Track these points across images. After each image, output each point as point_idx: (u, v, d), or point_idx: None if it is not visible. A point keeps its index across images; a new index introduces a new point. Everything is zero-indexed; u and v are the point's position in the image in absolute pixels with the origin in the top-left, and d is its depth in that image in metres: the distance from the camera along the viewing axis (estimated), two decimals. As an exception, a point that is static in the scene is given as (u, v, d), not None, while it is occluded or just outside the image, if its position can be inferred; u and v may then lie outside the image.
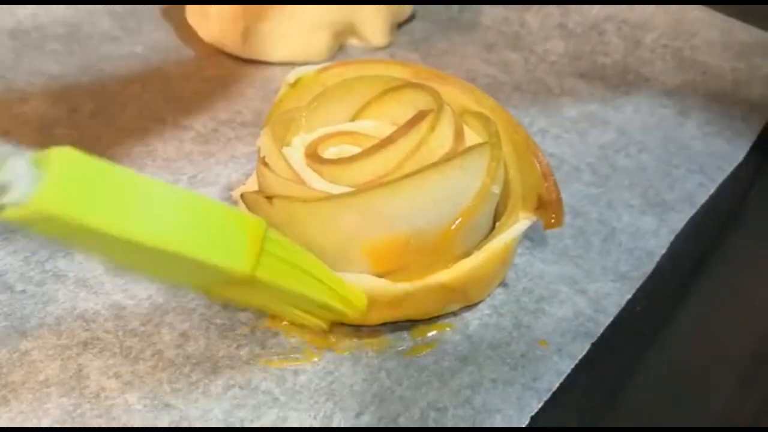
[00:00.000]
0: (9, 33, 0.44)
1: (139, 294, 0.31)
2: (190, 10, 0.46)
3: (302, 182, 0.28)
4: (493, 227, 0.30)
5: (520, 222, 0.30)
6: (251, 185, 0.32)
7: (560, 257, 0.34)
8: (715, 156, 0.39)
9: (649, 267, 0.33)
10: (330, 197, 0.27)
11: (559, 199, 0.30)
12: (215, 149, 0.38)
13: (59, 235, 0.23)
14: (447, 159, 0.27)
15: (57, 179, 0.21)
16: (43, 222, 0.21)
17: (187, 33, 0.46)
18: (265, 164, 0.29)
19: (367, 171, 0.28)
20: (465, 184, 0.28)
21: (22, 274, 0.32)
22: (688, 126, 0.41)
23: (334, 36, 0.45)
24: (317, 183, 0.28)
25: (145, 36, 0.46)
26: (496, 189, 0.29)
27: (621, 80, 0.44)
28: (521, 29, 0.49)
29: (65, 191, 0.21)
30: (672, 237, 0.35)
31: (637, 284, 0.33)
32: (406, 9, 0.48)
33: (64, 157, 0.22)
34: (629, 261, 0.34)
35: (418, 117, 0.29)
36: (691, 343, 0.31)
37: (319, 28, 0.44)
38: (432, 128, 0.28)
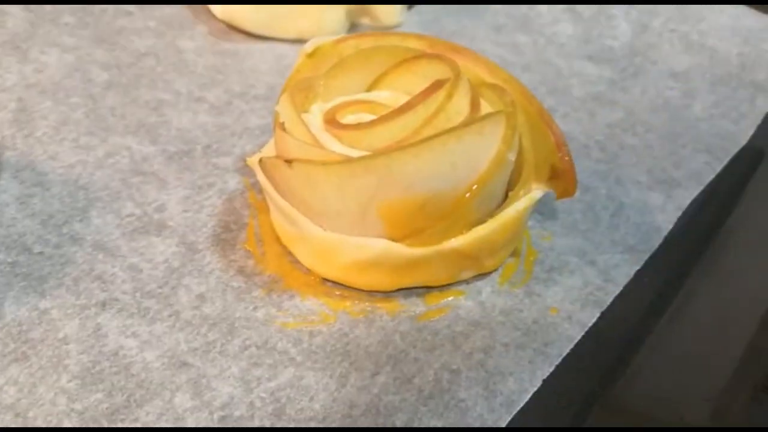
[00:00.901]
0: (23, 5, 0.45)
1: (155, 258, 0.32)
2: (204, -15, 0.46)
3: (321, 146, 0.28)
4: (506, 196, 0.31)
5: (534, 191, 0.31)
6: (267, 153, 0.32)
7: (570, 230, 0.34)
8: (720, 137, 0.40)
9: (656, 241, 0.34)
10: (349, 160, 0.27)
11: (572, 169, 0.31)
12: (229, 121, 0.39)
13: None
14: (465, 125, 0.28)
15: None
16: None
17: (200, 9, 0.46)
18: (284, 129, 0.29)
19: (386, 136, 0.28)
20: (481, 150, 0.28)
21: (39, 236, 0.32)
22: (695, 108, 0.42)
23: (346, 14, 0.45)
24: (336, 147, 0.29)
25: (158, 11, 0.46)
26: (512, 156, 0.29)
27: (628, 63, 0.45)
28: (530, 12, 0.49)
29: None
30: (679, 213, 0.35)
31: (645, 257, 0.33)
32: (417, -10, 0.49)
33: None
34: (637, 235, 0.34)
35: (436, 85, 0.29)
36: (696, 314, 0.32)
37: (332, 7, 0.44)
38: (449, 96, 0.29)
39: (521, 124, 0.31)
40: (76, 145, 0.36)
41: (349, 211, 0.28)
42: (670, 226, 0.35)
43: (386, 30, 0.46)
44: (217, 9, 0.45)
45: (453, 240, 0.29)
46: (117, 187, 0.35)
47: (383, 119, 0.29)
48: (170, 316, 0.30)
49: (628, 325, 0.31)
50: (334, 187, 0.28)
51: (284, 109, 0.30)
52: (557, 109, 0.41)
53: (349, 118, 0.31)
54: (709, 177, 0.37)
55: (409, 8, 0.49)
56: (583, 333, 0.30)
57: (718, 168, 0.38)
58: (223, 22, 0.45)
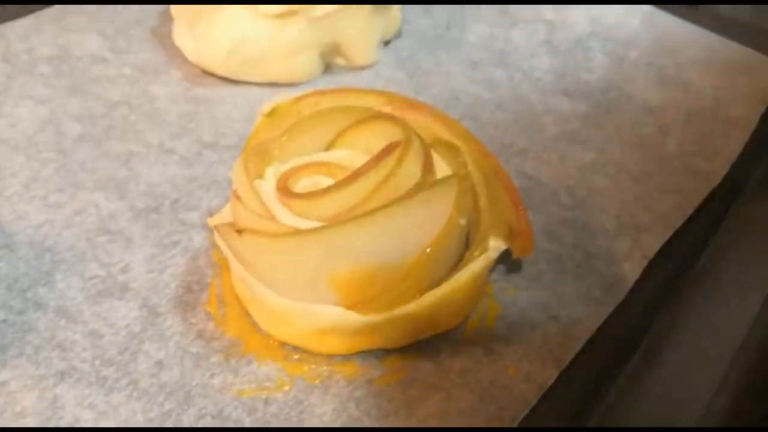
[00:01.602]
0: (1, 56, 0.45)
1: (117, 322, 0.32)
2: (177, 31, 0.46)
3: (272, 217, 0.29)
4: (463, 256, 0.31)
5: (490, 251, 0.31)
6: (227, 213, 0.33)
7: (534, 282, 0.34)
8: (693, 175, 0.40)
9: (621, 292, 0.34)
10: (296, 233, 0.28)
11: (528, 228, 0.31)
12: (198, 173, 0.39)
13: None
14: (412, 194, 0.28)
15: None
16: None
17: (174, 53, 0.46)
18: (237, 197, 0.30)
19: (335, 205, 0.28)
20: (431, 218, 0.28)
21: (4, 302, 0.32)
22: (669, 144, 0.42)
23: (320, 56, 0.45)
24: (286, 217, 0.29)
25: (133, 57, 0.46)
26: (463, 221, 0.29)
27: (603, 97, 0.45)
28: (506, 46, 0.49)
29: None
30: (645, 262, 0.35)
31: (609, 309, 0.33)
32: (394, 26, 0.49)
33: None
34: (602, 286, 0.34)
35: (386, 151, 0.29)
36: (661, 373, 0.32)
37: (304, 49, 0.44)
38: (400, 161, 0.29)
39: (478, 181, 0.31)
40: (45, 204, 0.37)
41: (299, 280, 0.28)
42: (636, 276, 0.34)
43: (362, 69, 0.46)
44: (190, 53, 0.45)
45: (406, 306, 0.29)
46: (83, 248, 0.35)
47: (332, 188, 0.29)
48: (128, 384, 0.30)
49: (586, 385, 0.31)
50: (283, 258, 0.28)
51: (237, 176, 0.30)
52: (529, 150, 0.41)
53: (304, 183, 0.31)
54: (679, 222, 0.37)
55: (385, 44, 0.49)
56: (539, 395, 0.30)
57: (689, 211, 0.38)
58: (197, 66, 0.45)
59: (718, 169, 0.40)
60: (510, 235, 0.31)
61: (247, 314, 0.32)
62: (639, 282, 0.34)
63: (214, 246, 0.35)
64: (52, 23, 0.48)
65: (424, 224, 0.28)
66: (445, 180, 0.29)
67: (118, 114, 0.42)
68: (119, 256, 0.35)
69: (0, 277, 0.33)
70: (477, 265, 0.30)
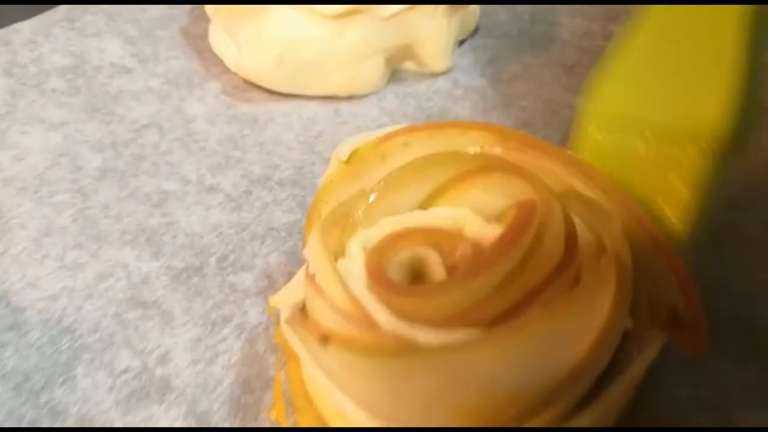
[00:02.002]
0: (4, 69, 0.37)
1: (149, 440, 0.25)
2: (214, 34, 0.38)
3: (365, 320, 0.21)
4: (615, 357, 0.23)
5: (650, 348, 0.23)
6: (295, 288, 0.25)
7: (687, 368, 0.26)
8: None
9: (807, 386, 0.26)
10: (403, 352, 0.20)
11: (700, 320, 0.23)
12: (249, 218, 0.31)
13: None
14: (566, 302, 0.20)
15: None
16: None
17: (211, 60, 0.38)
18: (317, 288, 0.22)
19: (453, 303, 0.21)
20: (584, 325, 0.21)
21: (11, 410, 0.25)
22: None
23: (386, 63, 0.37)
24: (384, 318, 0.21)
25: (162, 65, 0.38)
26: (627, 323, 0.21)
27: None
28: (607, 44, 0.40)
29: None
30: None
31: (793, 411, 0.25)
32: (470, 24, 0.40)
33: None
34: (778, 376, 0.26)
35: (519, 227, 0.21)
36: None
37: (370, 55, 0.36)
38: (539, 239, 0.21)
39: (630, 253, 0.23)
40: (60, 265, 0.30)
41: (408, 407, 0.21)
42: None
43: (435, 74, 0.39)
44: (230, 61, 0.38)
45: (548, 433, 0.21)
46: (110, 328, 0.28)
47: (449, 284, 0.21)
48: None
49: None
50: (386, 380, 0.20)
51: (314, 256, 0.22)
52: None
53: (401, 258, 0.23)
54: None
55: (460, 44, 0.40)
56: None
57: None
58: (240, 76, 0.37)
59: None
60: (675, 326, 0.23)
61: (326, 423, 0.25)
62: (827, 370, 0.26)
63: (276, 322, 0.28)
64: (65, 26, 0.40)
65: (574, 334, 0.20)
66: (597, 265, 0.21)
67: (147, 140, 0.35)
68: (156, 340, 0.27)
69: (6, 373, 0.26)
70: (635, 369, 0.22)
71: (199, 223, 0.31)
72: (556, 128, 0.36)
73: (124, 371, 0.26)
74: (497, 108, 0.37)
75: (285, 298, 0.25)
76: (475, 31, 0.41)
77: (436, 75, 0.39)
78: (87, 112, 0.36)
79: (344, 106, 0.37)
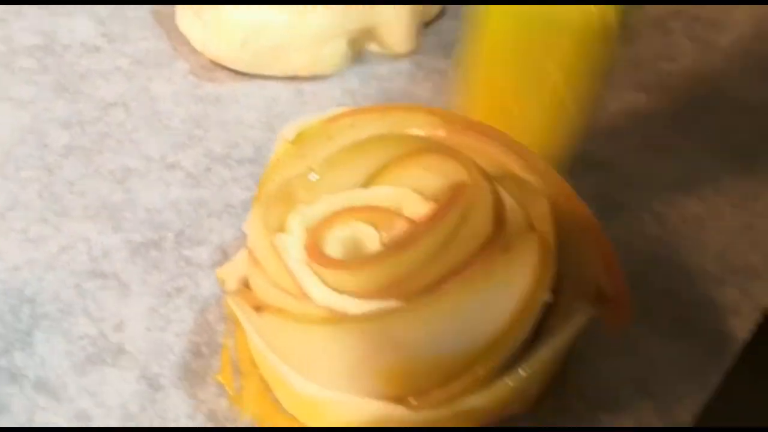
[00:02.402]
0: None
1: (109, 400, 0.26)
2: (181, 15, 0.39)
3: (298, 291, 0.22)
4: (540, 328, 0.24)
5: (575, 319, 0.24)
6: (241, 262, 0.26)
7: (618, 343, 0.28)
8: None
9: (729, 357, 0.27)
10: (334, 320, 0.21)
11: (625, 297, 0.24)
12: (207, 195, 0.33)
13: None
14: (483, 270, 0.21)
15: None
16: None
17: (179, 41, 0.39)
18: (255, 261, 0.23)
19: (383, 276, 0.22)
20: (504, 296, 0.22)
21: (-29, 373, 0.27)
22: (774, 156, 0.34)
23: (349, 44, 0.38)
24: (319, 291, 0.22)
25: (131, 46, 0.39)
26: (545, 296, 0.23)
27: (689, 94, 0.37)
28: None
29: None
30: (757, 315, 0.28)
31: (715, 380, 0.27)
32: (434, 7, 0.41)
33: None
34: (704, 348, 0.27)
35: (446, 206, 0.22)
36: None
37: (332, 36, 0.37)
38: (465, 218, 0.22)
39: (560, 231, 0.25)
40: (24, 238, 0.31)
41: (336, 371, 0.22)
42: (746, 336, 0.28)
43: (399, 56, 0.39)
44: (197, 42, 0.38)
45: (470, 398, 0.23)
46: (69, 297, 0.29)
47: (379, 258, 0.22)
48: (123, 487, 0.24)
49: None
50: (316, 347, 0.22)
51: (254, 233, 0.24)
52: (605, 162, 0.34)
53: (338, 234, 0.24)
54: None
55: (426, 26, 0.41)
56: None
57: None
58: (206, 56, 0.38)
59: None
60: (599, 301, 0.24)
61: (269, 387, 0.26)
62: (752, 343, 0.28)
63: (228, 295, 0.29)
64: (35, 4, 0.41)
65: (495, 305, 0.22)
66: (520, 242, 0.22)
67: (113, 119, 0.36)
68: (113, 309, 0.28)
69: (-33, 339, 0.27)
70: (559, 341, 0.24)
71: (160, 199, 0.32)
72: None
73: (81, 337, 0.28)
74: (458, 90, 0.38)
75: (231, 271, 0.26)
76: (440, 14, 0.42)
77: (399, 57, 0.39)
78: (55, 91, 0.37)
79: (307, 87, 0.38)
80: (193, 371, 0.27)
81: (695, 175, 0.34)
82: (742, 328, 0.28)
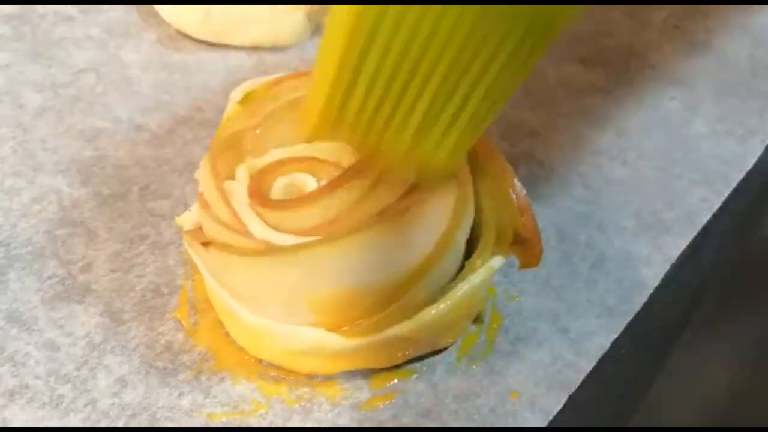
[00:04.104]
0: (-47, 14, 0.41)
1: (76, 331, 0.29)
2: (150, -13, 0.41)
3: (242, 228, 0.25)
4: (462, 266, 0.27)
5: (493, 260, 0.27)
6: (198, 211, 0.29)
7: (542, 287, 0.31)
8: (722, 161, 0.36)
9: (638, 302, 0.30)
10: (268, 252, 0.24)
11: (536, 238, 0.27)
12: (171, 154, 0.35)
13: None
14: (403, 208, 0.24)
15: None
16: None
17: (149, 12, 0.42)
18: (204, 203, 0.26)
19: (316, 216, 0.25)
20: (424, 233, 0.25)
21: (-52, 308, 0.29)
22: (696, 124, 0.37)
23: (307, 16, 0.41)
24: (260, 230, 0.25)
25: (103, 15, 0.42)
26: (462, 235, 0.25)
27: (623, 66, 0.40)
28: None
29: None
30: (666, 266, 0.31)
31: (624, 321, 0.30)
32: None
33: None
34: (617, 293, 0.30)
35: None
36: (684, 396, 0.28)
37: (291, 9, 0.40)
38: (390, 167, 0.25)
39: (480, 181, 0.27)
40: (0, 189, 0.33)
41: (274, 301, 0.25)
42: (656, 283, 0.31)
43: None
44: (165, 13, 0.41)
45: (396, 327, 0.26)
46: (41, 242, 0.31)
47: (312, 197, 0.25)
48: (86, 405, 0.27)
49: (598, 412, 0.28)
50: (255, 278, 0.24)
51: (204, 178, 0.26)
52: (539, 131, 0.37)
53: (281, 182, 0.27)
54: (705, 218, 0.33)
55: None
56: (545, 424, 0.27)
57: (716, 205, 0.34)
58: (173, 27, 0.41)
59: (750, 152, 0.36)
60: (515, 242, 0.27)
61: (220, 323, 0.29)
62: (659, 291, 0.31)
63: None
64: None
65: (416, 241, 0.24)
66: (440, 188, 0.25)
67: (85, 83, 0.38)
68: (81, 253, 0.31)
69: (-55, 278, 0.30)
70: (477, 277, 0.27)
71: (127, 156, 0.35)
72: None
73: (51, 277, 0.30)
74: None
75: (188, 218, 0.29)
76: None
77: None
78: (30, 56, 0.39)
79: (268, 57, 0.40)
80: (153, 308, 0.29)
81: (622, 142, 0.36)
82: (652, 276, 0.31)
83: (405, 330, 0.26)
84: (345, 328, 0.25)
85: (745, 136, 0.37)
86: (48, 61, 0.39)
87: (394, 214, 0.24)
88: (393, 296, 0.25)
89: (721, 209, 0.33)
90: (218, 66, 0.40)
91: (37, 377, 0.27)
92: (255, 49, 0.40)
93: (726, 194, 0.34)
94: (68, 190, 0.33)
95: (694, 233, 0.32)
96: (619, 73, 0.40)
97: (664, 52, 0.41)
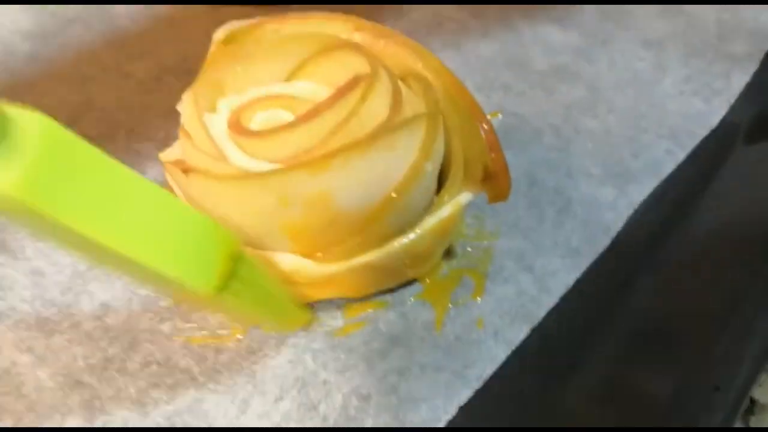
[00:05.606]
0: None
1: (61, 260, 0.30)
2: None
3: (220, 156, 0.26)
4: (433, 201, 0.28)
5: (461, 196, 0.28)
6: (179, 147, 0.30)
7: (510, 229, 0.32)
8: (688, 118, 0.37)
9: (602, 244, 0.32)
10: (245, 176, 0.25)
11: (505, 171, 0.28)
12: (156, 100, 0.36)
13: (21, 222, 0.20)
14: (374, 136, 0.25)
15: (35, 162, 0.18)
16: (6, 208, 0.18)
17: (137, -34, 0.43)
18: (186, 133, 0.27)
19: (291, 145, 0.26)
20: (395, 163, 0.26)
21: (-61, 235, 0.30)
22: (665, 83, 0.39)
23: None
24: (238, 158, 0.26)
25: (92, -32, 0.43)
26: (431, 166, 0.27)
27: (598, 28, 0.42)
28: (498, -32, 0.45)
29: (42, 179, 0.18)
30: (630, 210, 0.33)
31: (588, 261, 0.31)
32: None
33: (44, 131, 0.19)
34: (582, 235, 0.32)
35: (348, 86, 0.26)
36: (642, 335, 0.30)
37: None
38: (363, 98, 0.26)
39: (451, 120, 0.29)
40: (-11, 129, 0.34)
41: (250, 226, 0.26)
42: (619, 226, 0.32)
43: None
44: (154, -33, 0.42)
45: (367, 254, 0.27)
46: (28, 178, 0.32)
47: (288, 127, 0.26)
48: (70, 327, 0.28)
49: (559, 344, 0.29)
50: (231, 203, 0.26)
51: (186, 109, 0.28)
52: (513, 85, 0.38)
53: (259, 117, 0.28)
54: (669, 169, 0.35)
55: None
56: (507, 353, 0.28)
57: (680, 157, 0.35)
58: (162, -19, 0.42)
59: (715, 111, 0.37)
60: (485, 178, 0.29)
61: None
62: (622, 233, 0.32)
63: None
64: None
65: (386, 170, 0.26)
66: (411, 121, 0.26)
67: (74, 33, 0.39)
68: (67, 189, 0.32)
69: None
70: (445, 211, 0.28)
71: (114, 102, 0.36)
72: (437, 37, 0.41)
73: (37, 211, 0.31)
74: (388, 20, 0.42)
75: (171, 153, 0.30)
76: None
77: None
78: (20, 6, 0.40)
79: (255, 11, 0.41)
80: (136, 241, 0.31)
81: (593, 97, 0.38)
82: (616, 220, 0.32)
83: (375, 258, 0.27)
84: (318, 254, 0.27)
85: (710, 96, 0.38)
86: (38, 11, 0.40)
87: (366, 145, 0.25)
88: (365, 224, 0.26)
89: (684, 161, 0.35)
90: (205, 19, 0.41)
91: (23, 300, 0.29)
92: (242, 3, 0.41)
93: (690, 148, 0.35)
94: (56, 132, 0.34)
95: (658, 181, 0.34)
96: (593, 34, 0.41)
97: (636, 15, 0.42)
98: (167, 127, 0.35)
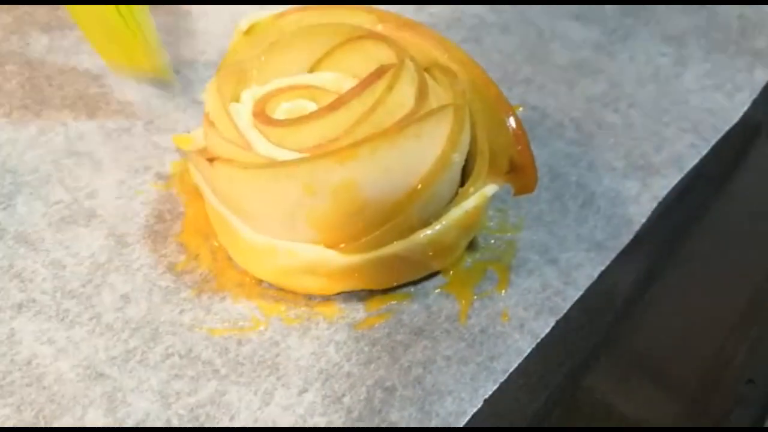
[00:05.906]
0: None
1: (81, 252, 0.30)
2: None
3: (246, 145, 0.26)
4: (457, 192, 0.28)
5: (486, 188, 0.28)
6: (200, 135, 0.30)
7: (534, 222, 0.32)
8: (711, 113, 0.37)
9: (626, 237, 0.31)
10: (271, 165, 0.25)
11: (531, 163, 0.28)
12: (175, 92, 0.36)
13: None
14: (402, 126, 0.25)
15: None
16: None
17: (154, -40, 0.42)
18: (210, 122, 0.27)
19: (317, 134, 0.26)
20: (421, 153, 0.26)
21: (-42, 226, 0.30)
22: (686, 78, 0.38)
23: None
24: (263, 147, 0.26)
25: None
26: (458, 157, 0.26)
27: (618, 24, 0.41)
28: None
29: None
30: (654, 204, 0.32)
31: (612, 255, 0.31)
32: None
33: None
34: (606, 229, 0.31)
35: (374, 75, 0.26)
36: (668, 327, 0.29)
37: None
38: (390, 88, 0.26)
39: (477, 112, 0.28)
40: (7, 121, 0.34)
41: (275, 216, 0.26)
42: (643, 220, 0.32)
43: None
44: (171, -39, 0.42)
45: (393, 245, 0.27)
46: (47, 170, 0.32)
47: (314, 115, 0.26)
48: (91, 319, 0.28)
49: (584, 337, 0.29)
50: (256, 191, 0.25)
51: (210, 99, 0.27)
52: (534, 79, 0.38)
53: (284, 107, 0.28)
54: (692, 162, 0.34)
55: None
56: (533, 346, 0.28)
57: (704, 151, 0.35)
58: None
59: (738, 106, 0.37)
60: (510, 170, 0.28)
61: (222, 247, 0.30)
62: (646, 227, 0.32)
63: (188, 172, 0.32)
64: None
65: (413, 160, 0.25)
66: (438, 111, 0.26)
67: (91, 25, 0.39)
68: (86, 181, 0.32)
69: (-45, 200, 0.31)
70: (470, 203, 0.28)
71: (132, 93, 0.36)
72: (456, 31, 0.40)
73: (57, 202, 0.31)
74: (408, 11, 0.41)
75: (192, 141, 0.30)
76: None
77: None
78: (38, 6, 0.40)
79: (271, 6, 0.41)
80: (157, 232, 0.30)
81: (614, 92, 0.37)
82: (639, 214, 0.32)
83: (400, 249, 0.27)
84: (343, 245, 0.26)
85: (733, 91, 0.38)
86: (54, 6, 0.40)
87: (393, 134, 0.25)
88: (390, 215, 0.26)
89: (707, 155, 0.35)
90: (222, 13, 0.40)
91: (43, 292, 0.28)
92: None
93: (713, 141, 0.35)
94: (74, 123, 0.34)
95: (682, 175, 0.33)
96: (613, 30, 0.41)
97: (657, 11, 0.42)
98: (186, 119, 0.35)
